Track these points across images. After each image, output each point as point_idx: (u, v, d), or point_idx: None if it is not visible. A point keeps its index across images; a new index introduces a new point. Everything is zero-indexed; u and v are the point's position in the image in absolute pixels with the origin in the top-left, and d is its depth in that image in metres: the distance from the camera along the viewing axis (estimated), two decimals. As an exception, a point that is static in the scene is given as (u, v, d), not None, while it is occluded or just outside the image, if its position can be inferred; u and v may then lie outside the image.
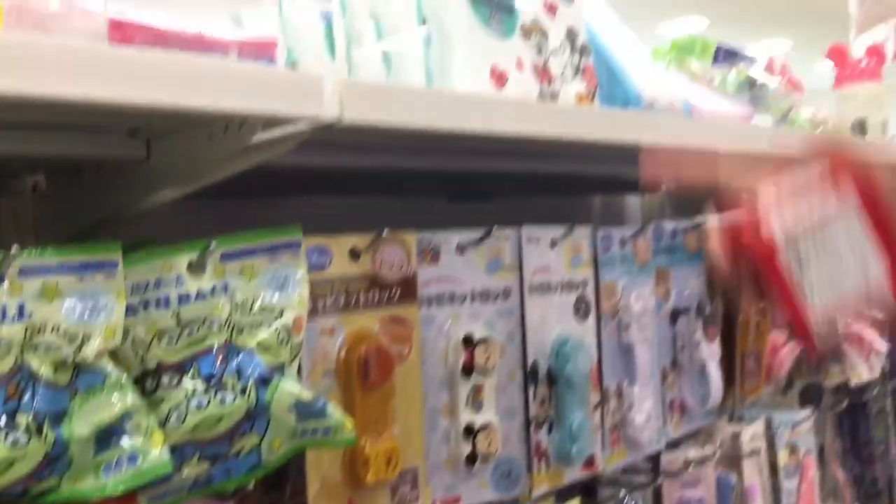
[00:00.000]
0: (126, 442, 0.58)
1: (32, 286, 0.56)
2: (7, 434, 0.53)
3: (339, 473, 0.79)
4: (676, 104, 1.05)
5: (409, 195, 1.17)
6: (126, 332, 0.61)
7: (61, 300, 0.57)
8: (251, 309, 0.67)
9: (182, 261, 0.64)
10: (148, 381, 0.62)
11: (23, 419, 0.54)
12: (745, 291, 0.65)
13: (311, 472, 0.77)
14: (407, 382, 0.85)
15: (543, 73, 0.90)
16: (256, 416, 0.64)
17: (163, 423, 0.61)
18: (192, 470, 0.63)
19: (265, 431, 0.65)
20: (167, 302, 0.63)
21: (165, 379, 0.62)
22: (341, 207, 1.12)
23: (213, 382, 0.62)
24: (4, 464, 0.53)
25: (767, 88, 1.36)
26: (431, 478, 0.88)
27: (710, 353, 1.21)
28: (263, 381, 0.64)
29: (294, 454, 0.69)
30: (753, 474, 1.35)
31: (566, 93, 0.92)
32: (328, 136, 0.67)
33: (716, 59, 1.38)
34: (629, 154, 1.12)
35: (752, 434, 1.35)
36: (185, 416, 0.61)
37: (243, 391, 0.63)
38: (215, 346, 0.64)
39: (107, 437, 0.58)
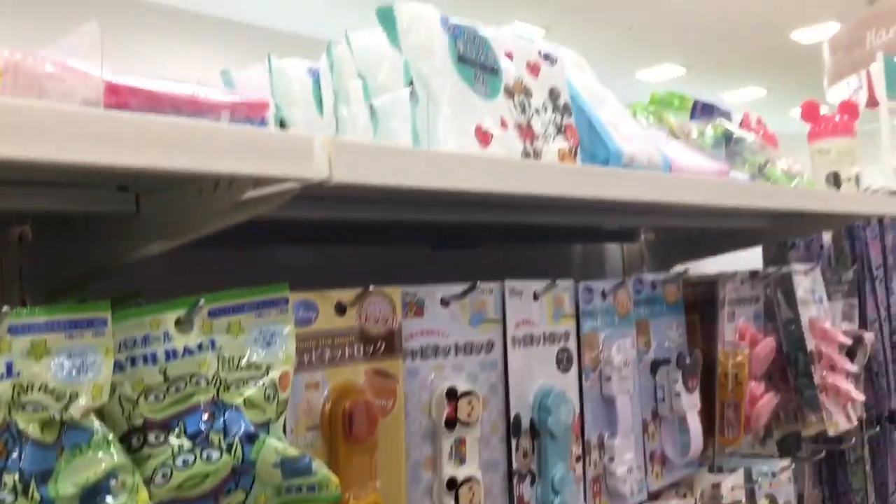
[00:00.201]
0: (111, 501, 0.58)
1: (21, 344, 0.57)
2: (-7, 494, 0.53)
3: (322, 528, 0.79)
4: (655, 159, 1.07)
5: (393, 244, 1.19)
6: (113, 389, 0.61)
7: (49, 358, 0.58)
8: (238, 365, 0.67)
9: (170, 317, 0.65)
10: (134, 439, 0.62)
11: (9, 479, 0.54)
12: None
13: (295, 528, 0.77)
14: (390, 436, 0.85)
15: (527, 132, 0.92)
16: (242, 472, 0.64)
17: (148, 481, 0.61)
18: (176, 528, 0.62)
19: (251, 488, 0.65)
20: (154, 358, 0.64)
21: (152, 436, 0.62)
22: (328, 256, 1.13)
23: (200, 440, 0.63)
24: (-10, 524, 0.53)
25: (744, 142, 1.39)
26: (414, 532, 0.88)
27: (691, 403, 1.22)
28: (249, 439, 0.64)
29: (279, 511, 0.69)
30: (734, 525, 1.35)
31: (549, 150, 0.93)
32: (317, 191, 0.68)
33: (693, 113, 1.41)
34: (610, 207, 1.14)
35: (731, 484, 1.36)
36: (171, 473, 0.61)
37: (229, 448, 0.63)
38: (202, 403, 0.64)
39: (92, 495, 0.57)
